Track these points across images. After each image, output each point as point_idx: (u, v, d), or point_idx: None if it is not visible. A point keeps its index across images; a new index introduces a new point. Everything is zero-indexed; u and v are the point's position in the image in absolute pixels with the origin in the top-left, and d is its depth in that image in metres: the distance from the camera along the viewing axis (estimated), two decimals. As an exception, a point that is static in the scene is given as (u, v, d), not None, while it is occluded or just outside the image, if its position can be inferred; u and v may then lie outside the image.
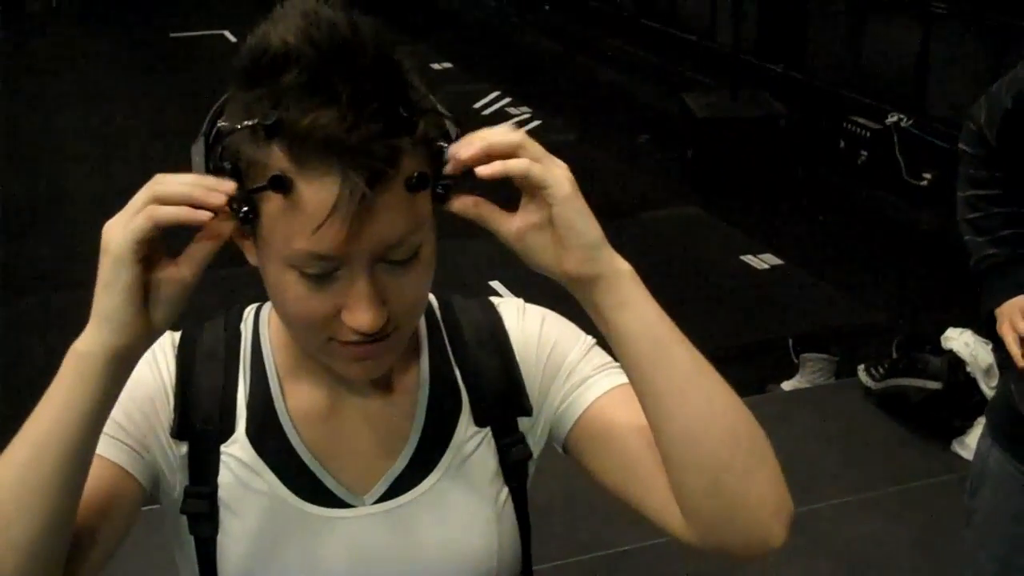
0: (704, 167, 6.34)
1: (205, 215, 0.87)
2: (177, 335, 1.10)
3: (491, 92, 8.51)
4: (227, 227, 0.90)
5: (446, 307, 1.15)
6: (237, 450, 1.06)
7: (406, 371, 1.10)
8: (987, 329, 2.09)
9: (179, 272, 0.91)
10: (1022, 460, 2.01)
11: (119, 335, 0.89)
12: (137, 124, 7.62)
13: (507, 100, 8.34)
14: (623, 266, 0.97)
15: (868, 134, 6.30)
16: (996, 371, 3.37)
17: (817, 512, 3.30)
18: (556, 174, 0.93)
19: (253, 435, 1.06)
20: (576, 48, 10.22)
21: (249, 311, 1.13)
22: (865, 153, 6.32)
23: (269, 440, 1.07)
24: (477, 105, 8.15)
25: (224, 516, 1.06)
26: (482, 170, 0.92)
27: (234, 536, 1.06)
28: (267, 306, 1.11)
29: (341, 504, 1.07)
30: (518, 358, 1.12)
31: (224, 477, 1.06)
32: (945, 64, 6.08)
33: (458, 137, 0.95)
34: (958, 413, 3.61)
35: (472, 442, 1.10)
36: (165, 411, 1.06)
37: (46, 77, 9.33)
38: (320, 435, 1.08)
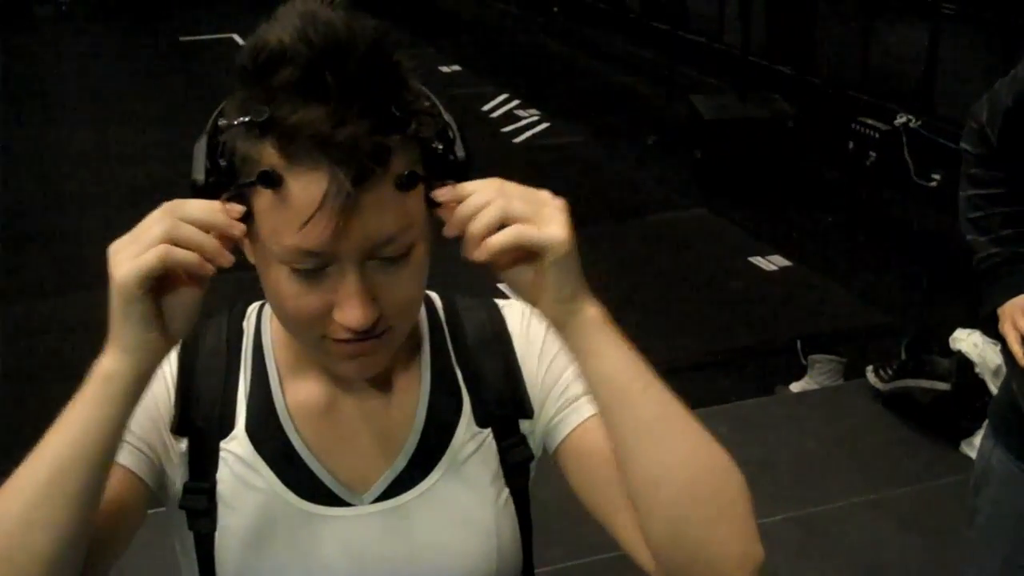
0: (712, 168, 6.33)
1: (211, 270, 0.90)
2: None
3: (499, 94, 8.52)
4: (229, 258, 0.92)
5: (449, 306, 1.16)
6: (236, 447, 1.07)
7: (407, 370, 1.11)
8: (990, 328, 2.09)
9: (189, 287, 0.92)
10: (1026, 459, 2.01)
11: (144, 360, 0.91)
12: (146, 128, 7.65)
13: (515, 102, 8.35)
14: (590, 314, 0.97)
15: (877, 135, 6.29)
16: (1005, 371, 3.36)
17: (825, 513, 3.29)
18: (551, 235, 0.93)
19: (252, 432, 1.07)
20: (584, 50, 10.23)
21: (252, 309, 1.14)
22: (874, 154, 6.30)
23: (268, 437, 1.07)
24: (486, 108, 8.16)
25: (222, 512, 1.06)
26: (477, 255, 0.93)
27: (232, 532, 1.06)
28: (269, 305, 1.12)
29: (339, 502, 1.07)
30: (520, 361, 1.12)
31: (223, 473, 1.06)
32: (954, 65, 6.07)
33: (455, 138, 0.96)
34: (967, 414, 3.59)
35: (473, 443, 1.10)
36: (167, 408, 1.07)
37: (54, 81, 9.37)
38: (320, 433, 1.08)
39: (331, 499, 1.07)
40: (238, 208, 0.91)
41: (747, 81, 6.58)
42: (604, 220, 5.66)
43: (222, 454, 1.07)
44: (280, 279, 0.94)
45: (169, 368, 1.08)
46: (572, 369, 1.10)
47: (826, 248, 5.68)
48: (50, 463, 0.90)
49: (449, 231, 0.95)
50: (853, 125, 6.45)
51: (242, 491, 1.06)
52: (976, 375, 3.60)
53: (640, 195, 6.44)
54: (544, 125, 7.66)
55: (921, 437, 3.72)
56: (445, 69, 9.37)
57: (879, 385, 3.88)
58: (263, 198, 0.90)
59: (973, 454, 3.42)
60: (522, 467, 1.12)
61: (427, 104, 0.94)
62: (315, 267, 0.92)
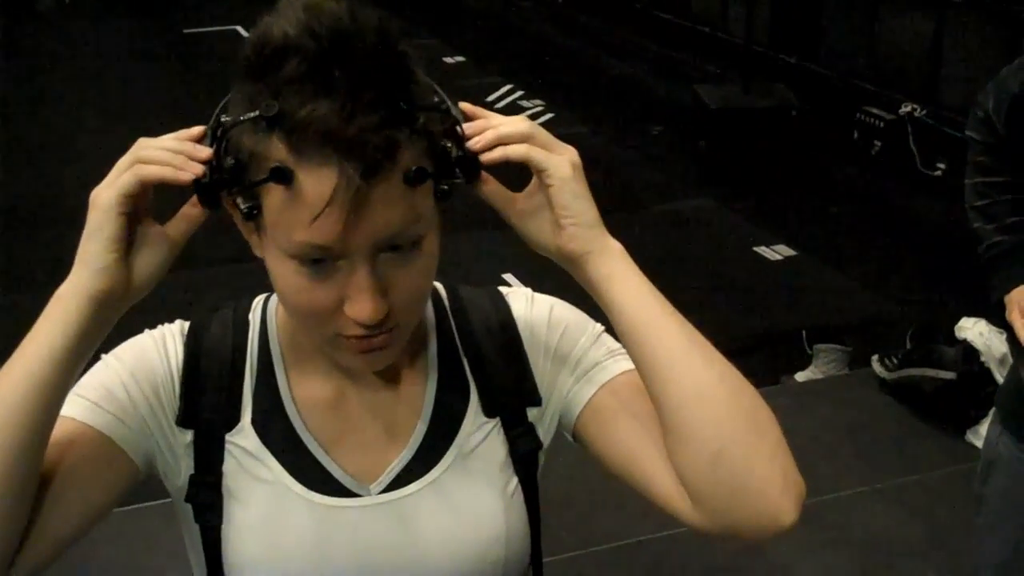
0: (717, 158, 6.33)
1: (187, 176, 0.91)
2: (186, 324, 1.11)
3: (504, 85, 8.51)
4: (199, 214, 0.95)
5: (454, 297, 1.15)
6: (242, 439, 1.06)
7: (414, 361, 1.11)
8: (996, 316, 2.09)
9: (165, 231, 0.95)
10: (1033, 447, 2.02)
11: (97, 279, 0.92)
12: (150, 120, 7.65)
13: (520, 93, 8.34)
14: (614, 244, 1.00)
15: (882, 124, 6.29)
16: (1011, 360, 3.36)
17: (831, 503, 3.29)
18: (556, 159, 0.97)
19: (258, 424, 1.07)
20: (589, 41, 10.21)
21: (258, 302, 1.14)
22: (879, 143, 6.30)
23: (274, 429, 1.07)
24: (490, 99, 8.15)
25: (229, 505, 1.06)
26: (486, 157, 0.96)
27: (239, 525, 1.06)
28: (275, 297, 1.12)
29: (347, 493, 1.07)
30: (527, 348, 1.12)
31: (229, 466, 1.06)
32: (959, 53, 6.06)
33: (463, 134, 0.96)
34: (972, 403, 3.59)
35: (480, 433, 1.10)
36: (169, 398, 1.06)
37: (57, 74, 9.36)
38: (326, 424, 1.08)
39: (339, 490, 1.07)
40: (206, 151, 0.93)
41: (752, 71, 6.57)
42: (609, 210, 5.61)
43: (228, 447, 1.06)
44: (290, 274, 0.94)
45: (175, 357, 1.07)
46: (585, 338, 1.11)
47: (831, 237, 5.67)
48: None
49: (477, 145, 0.96)
50: (858, 114, 6.45)
51: (249, 483, 1.06)
52: (982, 364, 3.60)
53: (644, 185, 6.43)
54: (548, 116, 7.64)
55: (927, 426, 3.72)
56: (449, 60, 9.35)
57: (884, 374, 3.88)
58: (273, 194, 0.90)
59: (979, 443, 3.42)
60: (531, 456, 1.12)
61: (435, 99, 0.94)
62: (325, 262, 0.92)
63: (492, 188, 0.99)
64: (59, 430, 0.96)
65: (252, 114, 0.88)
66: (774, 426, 0.98)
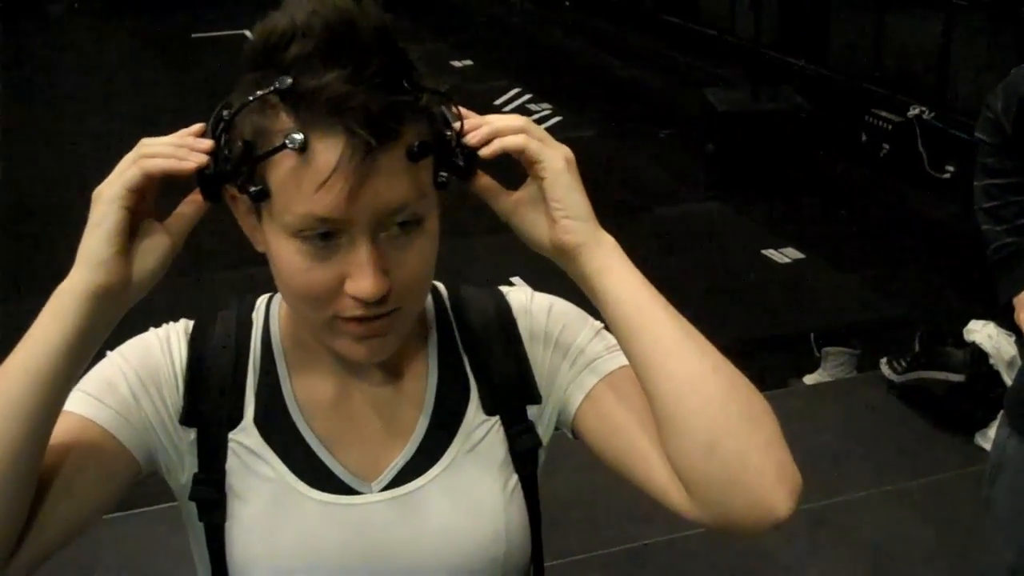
0: (725, 161, 6.32)
1: (191, 164, 0.93)
2: (191, 323, 1.12)
3: (511, 89, 8.51)
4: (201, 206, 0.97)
5: (455, 295, 1.17)
6: (245, 437, 1.08)
7: (415, 359, 1.12)
8: (1005, 319, 2.09)
9: (165, 227, 0.96)
10: (1041, 449, 2.02)
11: (97, 273, 0.92)
12: (158, 124, 7.63)
13: (527, 96, 8.34)
14: (606, 237, 1.01)
15: (890, 127, 6.27)
16: (1019, 362, 3.36)
17: (840, 505, 3.29)
18: (550, 152, 0.99)
19: (260, 422, 1.08)
20: (596, 44, 10.21)
21: (261, 301, 1.15)
22: (887, 146, 6.29)
23: (276, 427, 1.08)
24: (498, 102, 8.15)
25: (232, 503, 1.07)
26: (484, 150, 0.98)
27: (242, 523, 1.07)
28: (278, 296, 1.13)
29: (348, 491, 1.08)
30: (526, 346, 1.13)
31: (232, 464, 1.07)
32: (967, 56, 6.05)
33: (461, 130, 0.98)
34: (981, 405, 3.58)
35: (480, 430, 1.11)
36: (173, 396, 1.07)
37: (65, 77, 9.38)
38: (328, 422, 1.09)
39: (341, 488, 1.08)
40: (207, 143, 0.95)
41: (760, 74, 6.56)
42: (617, 214, 5.65)
43: (231, 445, 1.07)
44: (291, 254, 0.95)
45: (179, 355, 1.08)
46: (584, 334, 1.12)
47: (839, 240, 5.66)
48: None
49: (472, 139, 0.98)
50: (866, 117, 6.44)
51: (252, 481, 1.07)
52: (990, 366, 3.59)
53: (653, 188, 6.43)
54: (556, 119, 7.64)
55: (935, 429, 3.71)
56: (457, 63, 9.36)
57: (893, 377, 3.87)
58: (280, 168, 0.92)
59: (987, 445, 3.42)
60: (530, 454, 1.13)
61: (434, 84, 0.96)
62: (327, 236, 0.93)
63: (486, 183, 1.01)
64: (62, 425, 0.97)
65: (264, 91, 0.90)
66: (769, 418, 0.98)
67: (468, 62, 9.49)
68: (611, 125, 7.52)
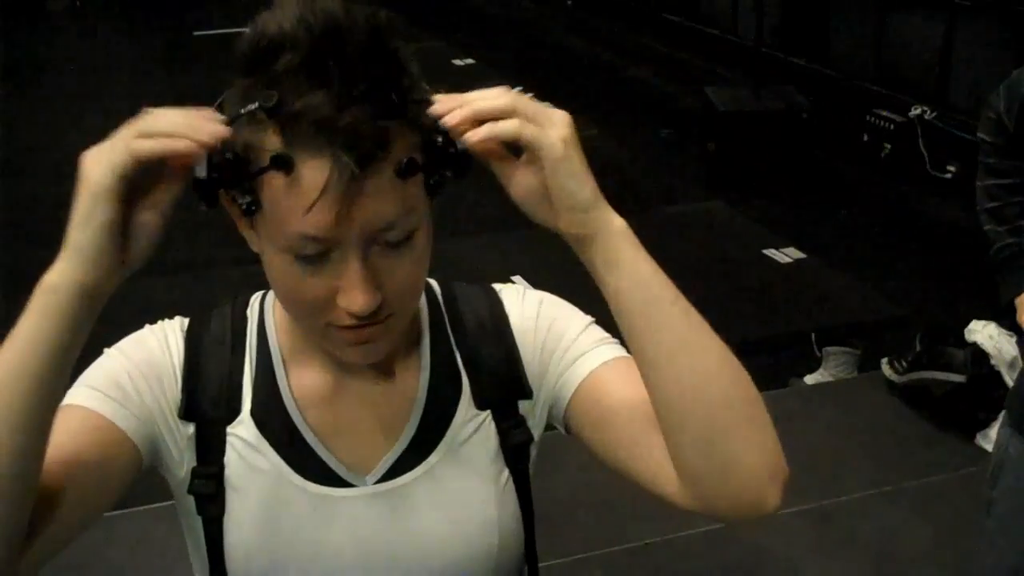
0: (726, 161, 6.32)
1: (184, 143, 0.87)
2: (187, 320, 1.13)
3: (513, 88, 8.50)
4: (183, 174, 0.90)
5: (448, 292, 1.17)
6: (242, 431, 1.08)
7: (408, 355, 1.12)
8: (1006, 319, 2.09)
9: (153, 204, 0.91)
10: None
11: (90, 271, 0.88)
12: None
13: (529, 96, 8.33)
14: (616, 224, 0.97)
15: (892, 127, 6.27)
16: (1020, 363, 3.35)
17: (840, 505, 3.29)
18: (549, 136, 0.93)
19: (257, 416, 1.09)
20: (598, 43, 10.21)
21: (255, 298, 1.15)
22: (889, 146, 6.29)
23: (273, 420, 1.09)
24: (498, 101, 8.14)
25: (230, 496, 1.08)
26: (470, 137, 0.92)
27: (239, 516, 1.08)
28: (272, 293, 1.13)
29: (343, 484, 1.09)
30: (518, 341, 1.14)
31: (230, 457, 1.08)
32: (969, 56, 6.05)
33: (439, 120, 0.93)
34: (982, 406, 3.59)
35: (471, 424, 1.12)
36: (172, 391, 1.07)
37: (67, 76, 9.38)
38: (323, 416, 1.10)
39: (335, 480, 1.09)
40: (221, 127, 0.89)
41: (761, 73, 6.56)
42: (618, 213, 5.63)
43: (229, 438, 1.08)
44: (284, 267, 0.95)
45: (177, 351, 1.09)
46: (573, 328, 1.12)
47: (840, 240, 5.66)
48: None
49: (450, 120, 0.92)
50: (868, 117, 6.44)
51: (249, 474, 1.08)
52: (992, 367, 3.59)
53: (654, 188, 6.43)
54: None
55: (936, 429, 3.71)
56: (458, 63, 9.37)
57: (894, 377, 3.87)
58: (270, 185, 0.91)
59: (988, 446, 3.42)
60: (522, 448, 1.14)
61: (426, 93, 0.95)
62: (318, 253, 0.93)
63: (495, 155, 0.96)
64: (69, 418, 0.97)
65: (251, 106, 0.88)
66: (764, 413, 0.99)
67: (469, 61, 9.49)
68: (612, 124, 7.52)
